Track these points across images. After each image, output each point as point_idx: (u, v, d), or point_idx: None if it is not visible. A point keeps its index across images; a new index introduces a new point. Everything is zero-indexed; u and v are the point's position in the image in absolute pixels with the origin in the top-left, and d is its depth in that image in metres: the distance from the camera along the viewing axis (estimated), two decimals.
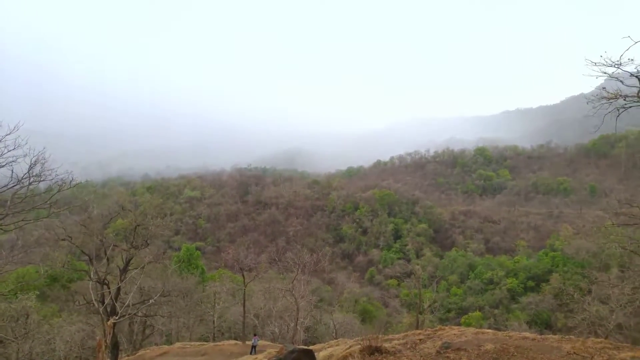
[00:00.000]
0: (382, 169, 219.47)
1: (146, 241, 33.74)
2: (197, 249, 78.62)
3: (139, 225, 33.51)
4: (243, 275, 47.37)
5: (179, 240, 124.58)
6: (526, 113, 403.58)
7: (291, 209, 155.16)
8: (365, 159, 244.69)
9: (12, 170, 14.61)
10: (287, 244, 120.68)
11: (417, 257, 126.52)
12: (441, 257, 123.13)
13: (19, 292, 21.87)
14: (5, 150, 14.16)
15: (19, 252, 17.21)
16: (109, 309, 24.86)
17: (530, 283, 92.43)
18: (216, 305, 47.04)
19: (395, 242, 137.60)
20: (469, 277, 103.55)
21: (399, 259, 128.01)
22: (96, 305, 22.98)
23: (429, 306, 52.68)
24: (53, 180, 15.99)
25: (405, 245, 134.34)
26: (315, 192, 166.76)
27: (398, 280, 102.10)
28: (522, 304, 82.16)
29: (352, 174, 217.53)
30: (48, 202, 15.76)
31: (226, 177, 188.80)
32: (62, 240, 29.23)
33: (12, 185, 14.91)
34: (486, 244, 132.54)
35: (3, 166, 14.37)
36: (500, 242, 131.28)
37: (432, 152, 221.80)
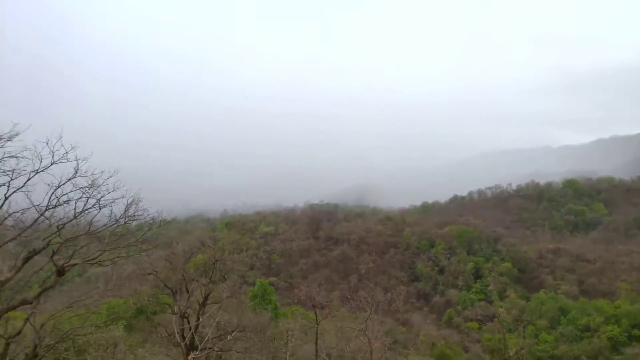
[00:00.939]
0: (459, 204, 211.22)
1: (224, 276, 34.95)
2: (271, 284, 79.70)
3: (217, 261, 34.86)
4: (315, 313, 47.03)
5: (254, 275, 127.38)
6: (624, 141, 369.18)
7: (363, 245, 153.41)
8: (440, 194, 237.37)
9: (112, 211, 16.13)
10: (359, 282, 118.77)
11: (501, 298, 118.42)
12: (527, 300, 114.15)
13: (109, 323, 23.48)
14: (106, 192, 15.73)
15: (112, 285, 18.63)
16: (188, 343, 25.79)
17: (636, 332, 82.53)
18: (288, 342, 46.89)
19: (475, 282, 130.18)
20: (561, 322, 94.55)
21: (479, 300, 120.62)
22: (178, 338, 23.96)
23: (515, 353, 48.63)
24: (145, 219, 17.34)
25: (487, 285, 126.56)
26: (388, 228, 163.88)
27: (479, 324, 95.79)
28: (627, 355, 73.31)
29: (427, 210, 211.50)
30: (140, 240, 17.06)
31: (299, 213, 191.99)
32: (149, 274, 31.03)
33: (110, 224, 16.38)
34: (580, 285, 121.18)
35: (104, 207, 15.90)
36: (596, 283, 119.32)
37: (514, 186, 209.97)
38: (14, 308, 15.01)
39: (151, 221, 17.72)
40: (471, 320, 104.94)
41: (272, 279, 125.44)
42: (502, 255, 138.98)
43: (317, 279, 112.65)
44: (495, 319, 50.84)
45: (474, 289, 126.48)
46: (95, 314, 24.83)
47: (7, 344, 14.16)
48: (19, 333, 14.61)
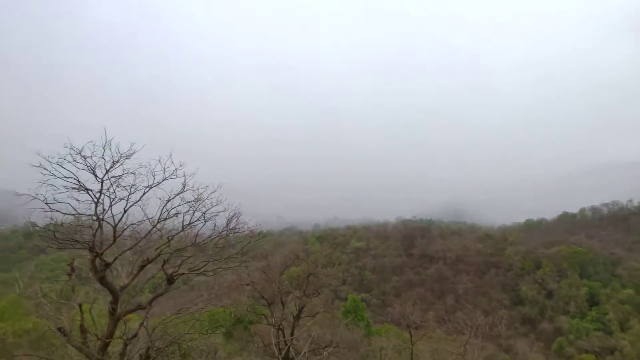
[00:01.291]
0: (570, 222, 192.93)
1: (317, 290, 35.28)
2: (363, 300, 79.01)
3: (311, 274, 35.33)
4: (410, 333, 45.50)
5: (346, 290, 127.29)
6: None
7: (460, 264, 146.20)
8: (547, 210, 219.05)
9: (215, 224, 17.18)
10: (456, 303, 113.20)
11: (622, 329, 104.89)
12: None
13: (210, 330, 24.86)
14: (210, 206, 16.82)
15: (215, 295, 19.68)
16: (283, 355, 26.30)
17: None
18: None
19: (590, 310, 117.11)
20: None
21: (596, 330, 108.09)
22: (274, 350, 24.56)
23: None
24: (244, 232, 18.20)
25: (605, 314, 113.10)
26: (487, 246, 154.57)
27: (596, 356, 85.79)
28: None
29: (532, 227, 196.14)
30: (240, 252, 17.93)
31: (390, 229, 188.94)
32: (247, 285, 32.30)
33: (214, 236, 17.44)
34: None
35: (209, 220, 17.02)
36: None
37: (636, 202, 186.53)
38: (131, 312, 16.53)
39: (250, 234, 18.54)
40: (587, 352, 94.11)
41: (364, 295, 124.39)
42: (623, 280, 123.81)
43: (410, 298, 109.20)
44: (617, 352, 45.03)
45: (589, 317, 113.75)
46: (197, 321, 26.39)
47: (125, 345, 15.56)
48: (135, 335, 15.97)
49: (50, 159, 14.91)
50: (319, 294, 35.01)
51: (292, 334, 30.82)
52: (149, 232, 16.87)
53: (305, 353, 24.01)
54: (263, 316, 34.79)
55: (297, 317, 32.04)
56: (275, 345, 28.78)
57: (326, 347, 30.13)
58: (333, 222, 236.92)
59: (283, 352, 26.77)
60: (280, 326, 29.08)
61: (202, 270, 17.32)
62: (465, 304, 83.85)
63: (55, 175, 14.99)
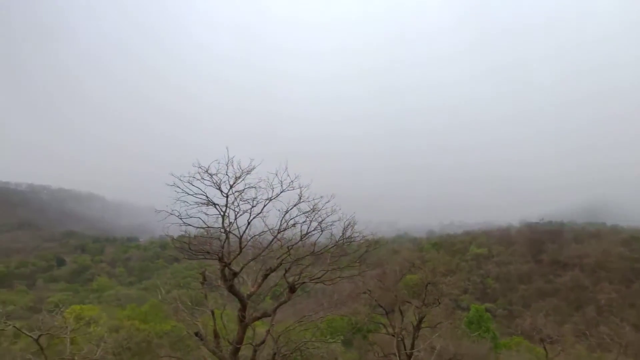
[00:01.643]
0: None
1: (437, 299, 33.95)
2: (487, 310, 74.14)
3: (429, 283, 34.13)
4: (545, 348, 41.63)
5: (467, 300, 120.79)
6: None
7: (601, 271, 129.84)
8: None
9: (331, 233, 17.48)
10: (598, 315, 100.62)
11: None
12: None
13: (330, 338, 25.23)
14: (326, 216, 17.16)
15: (334, 303, 19.93)
16: None
17: None
18: None
19: None
20: None
21: None
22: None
23: None
24: (360, 240, 18.22)
25: None
26: (635, 251, 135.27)
27: None
28: None
29: None
30: (358, 261, 17.97)
31: (514, 233, 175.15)
32: (363, 293, 32.23)
33: (331, 245, 17.74)
34: None
35: (325, 229, 17.36)
36: None
37: None
38: (257, 319, 17.48)
39: (366, 242, 18.50)
40: None
41: (488, 305, 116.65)
42: None
43: (542, 308, 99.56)
44: None
45: None
46: (318, 329, 27.01)
47: (255, 351, 16.47)
48: (263, 342, 16.82)
49: (182, 178, 16.41)
50: (439, 303, 33.65)
51: (412, 345, 30.01)
52: (271, 242, 17.70)
53: None
54: (381, 325, 34.42)
55: (418, 328, 31.12)
56: (395, 355, 28.25)
57: (450, 359, 28.78)
58: (449, 228, 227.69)
59: None
60: (400, 336, 28.44)
61: (321, 279, 17.67)
62: (611, 317, 74.08)
63: (187, 193, 16.46)
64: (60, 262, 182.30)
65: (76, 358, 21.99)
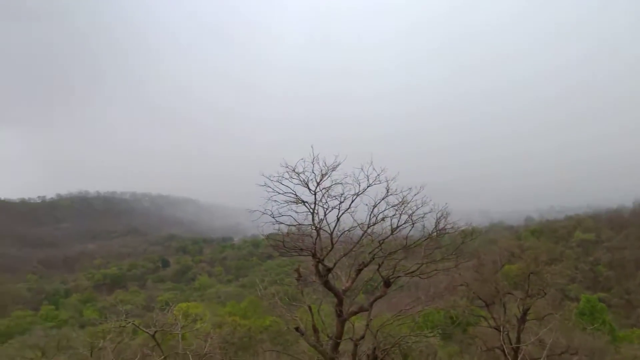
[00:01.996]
0: None
1: (542, 290, 31.75)
2: (600, 300, 67.85)
3: (532, 273, 32.00)
4: None
5: (576, 290, 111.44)
6: None
7: None
8: None
9: (423, 225, 16.94)
10: None
11: None
12: None
13: (428, 332, 24.56)
14: (416, 208, 16.65)
15: (431, 296, 19.35)
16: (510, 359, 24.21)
17: None
18: None
19: None
20: None
21: None
22: (507, 357, 22.83)
23: None
24: (455, 232, 17.45)
25: None
26: None
27: None
28: None
29: None
30: (454, 253, 17.25)
31: (628, 216, 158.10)
32: (460, 285, 31.01)
33: (424, 238, 17.20)
34: None
35: (416, 222, 16.87)
36: None
37: None
38: (355, 314, 17.49)
39: (462, 233, 17.70)
40: None
41: (601, 294, 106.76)
42: None
43: None
44: None
45: None
46: (413, 322, 26.48)
47: (355, 345, 16.50)
48: (363, 337, 16.81)
49: (271, 178, 16.85)
50: (544, 294, 31.32)
51: (518, 338, 28.24)
52: (361, 237, 17.59)
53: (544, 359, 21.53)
54: (482, 318, 32.86)
55: (522, 320, 29.24)
56: (500, 349, 26.76)
57: (562, 353, 26.65)
58: (548, 214, 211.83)
59: (511, 357, 24.63)
60: (504, 329, 26.87)
61: (416, 273, 17.21)
62: None
63: (277, 192, 16.87)
64: (165, 264, 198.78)
65: (188, 352, 23.62)
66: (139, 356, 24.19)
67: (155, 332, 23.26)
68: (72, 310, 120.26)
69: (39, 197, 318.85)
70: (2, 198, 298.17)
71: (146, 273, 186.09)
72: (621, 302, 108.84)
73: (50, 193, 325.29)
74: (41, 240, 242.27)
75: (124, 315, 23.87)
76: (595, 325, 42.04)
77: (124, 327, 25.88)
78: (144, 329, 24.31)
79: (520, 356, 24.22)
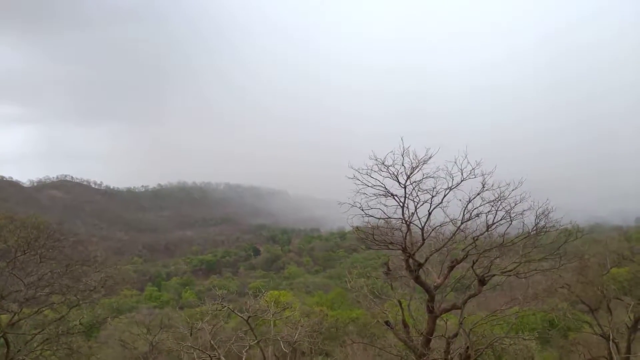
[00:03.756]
0: None
1: None
2: None
3: None
4: None
5: None
6: None
7: None
8: None
9: (523, 222, 16.02)
10: None
11: None
12: None
13: (525, 334, 23.23)
14: (514, 204, 15.77)
15: (530, 297, 18.30)
16: None
17: None
18: None
19: None
20: None
21: None
22: None
23: None
24: (557, 230, 16.31)
25: None
26: None
27: None
28: None
29: None
30: (556, 252, 16.13)
31: None
32: (561, 287, 28.96)
33: (523, 236, 16.28)
34: None
35: (514, 219, 15.99)
36: None
37: None
38: (447, 311, 17.10)
39: (565, 232, 16.46)
40: None
41: None
42: None
43: None
44: None
45: None
46: (507, 323, 25.23)
47: (448, 343, 16.13)
48: (456, 335, 16.40)
49: (360, 171, 16.92)
50: None
51: (628, 349, 25.74)
52: (454, 233, 17.08)
53: None
54: (586, 323, 30.36)
55: (634, 329, 26.55)
56: (608, 358, 24.60)
57: None
58: None
59: None
60: (612, 337, 24.63)
61: (513, 271, 16.37)
62: None
63: (366, 185, 16.91)
64: (256, 252, 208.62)
65: (279, 338, 24.69)
66: (234, 339, 25.63)
67: (249, 317, 24.53)
68: (173, 292, 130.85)
69: (142, 186, 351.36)
70: (112, 187, 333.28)
71: (238, 260, 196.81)
72: None
73: (152, 183, 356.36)
74: (145, 226, 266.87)
75: (220, 299, 25.37)
76: None
77: (220, 310, 27.49)
78: (239, 314, 25.71)
79: None
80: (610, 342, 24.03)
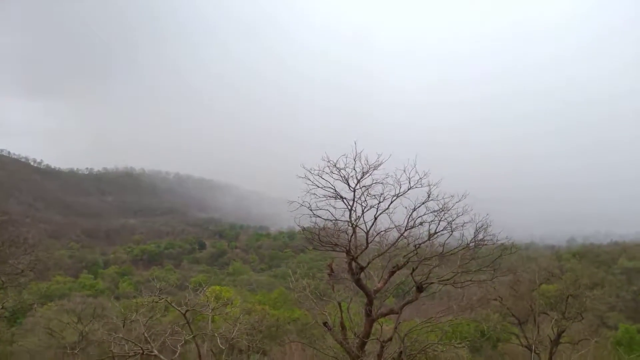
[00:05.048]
0: None
1: (580, 314, 30.62)
2: None
3: (571, 295, 30.93)
4: None
5: (615, 318, 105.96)
6: None
7: None
8: None
9: (462, 234, 16.64)
10: None
11: None
12: None
13: (457, 343, 24.11)
14: (456, 216, 16.37)
15: (463, 307, 19.00)
16: None
17: None
18: None
19: None
20: None
21: None
22: None
23: None
24: (494, 244, 17.04)
25: None
26: None
27: None
28: None
29: None
30: (491, 265, 16.85)
31: None
32: (494, 300, 30.30)
33: (461, 248, 16.92)
34: None
35: (455, 230, 16.59)
36: None
37: None
38: (384, 315, 17.43)
39: (501, 247, 17.25)
40: None
41: None
42: None
43: None
44: None
45: None
46: (441, 331, 26.15)
47: (382, 347, 16.45)
48: (390, 339, 16.75)
49: (312, 171, 16.96)
50: (582, 318, 30.16)
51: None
52: (397, 239, 17.48)
53: None
54: (514, 335, 32.00)
55: (556, 342, 28.29)
56: None
57: None
58: (594, 238, 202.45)
59: None
60: (536, 349, 26.09)
61: (450, 281, 16.95)
62: None
63: (316, 185, 16.98)
64: (202, 246, 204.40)
65: (216, 334, 24.23)
66: (168, 332, 24.92)
67: (187, 311, 23.90)
68: (109, 281, 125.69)
69: (86, 168, 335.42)
70: (53, 166, 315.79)
71: (182, 253, 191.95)
72: None
73: (97, 166, 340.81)
74: (86, 210, 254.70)
75: (158, 291, 24.60)
76: (632, 357, 40.05)
77: (156, 302, 26.66)
78: (176, 307, 25.04)
79: None
80: (532, 354, 25.40)
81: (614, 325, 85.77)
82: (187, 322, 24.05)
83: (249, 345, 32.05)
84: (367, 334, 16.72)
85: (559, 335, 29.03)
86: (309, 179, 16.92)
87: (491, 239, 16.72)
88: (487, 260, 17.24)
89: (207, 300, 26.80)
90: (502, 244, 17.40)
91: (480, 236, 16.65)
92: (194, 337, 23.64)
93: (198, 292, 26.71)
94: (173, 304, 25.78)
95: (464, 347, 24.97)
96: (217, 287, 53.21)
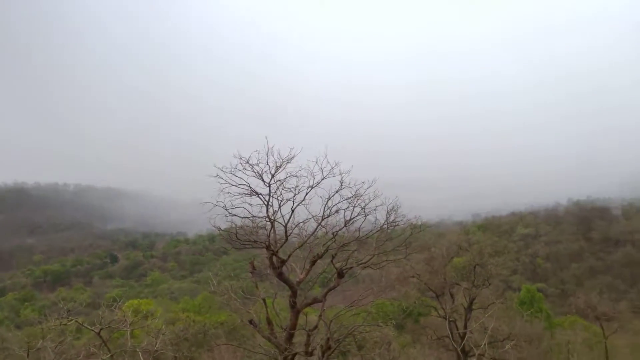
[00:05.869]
0: None
1: (487, 280, 33.31)
2: (539, 290, 72.19)
3: (477, 265, 33.49)
4: (601, 326, 40.16)
5: (517, 280, 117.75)
6: None
7: None
8: None
9: (375, 217, 17.33)
10: None
11: None
12: None
13: (382, 323, 25.20)
14: (368, 201, 17.02)
15: (383, 287, 19.83)
16: (460, 347, 25.29)
17: None
18: (570, 357, 41.27)
19: None
20: None
21: None
22: (450, 343, 23.79)
23: None
24: (405, 224, 17.95)
25: None
26: None
27: None
28: None
29: None
30: (404, 245, 17.75)
31: (562, 212, 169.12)
32: (411, 277, 31.96)
33: (375, 231, 17.61)
34: None
35: (368, 214, 17.25)
36: None
37: None
38: (309, 305, 17.64)
39: (411, 226, 18.23)
40: None
41: (539, 284, 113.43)
42: None
43: (595, 286, 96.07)
44: None
45: None
46: (366, 313, 27.15)
47: (308, 336, 16.66)
48: (316, 327, 16.99)
49: (224, 170, 16.55)
50: (489, 284, 33.00)
51: (465, 326, 29.57)
52: (315, 229, 17.74)
53: (485, 345, 22.66)
54: (432, 308, 34.11)
55: (469, 309, 30.66)
56: (448, 337, 27.90)
57: (504, 340, 28.13)
58: (495, 211, 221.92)
59: (460, 345, 25.75)
60: (452, 318, 28.05)
61: (368, 263, 17.59)
62: None
63: (230, 184, 16.62)
64: (114, 259, 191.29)
65: (137, 350, 22.94)
66: (82, 354, 23.14)
67: (101, 329, 22.41)
68: (8, 310, 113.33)
69: None
70: None
71: (92, 269, 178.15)
72: (557, 292, 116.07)
73: None
74: None
75: (66, 313, 22.69)
76: (531, 311, 44.69)
77: (65, 325, 24.57)
78: (89, 327, 23.32)
79: (463, 342, 25.33)
80: (447, 322, 27.30)
81: (517, 287, 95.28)
82: (103, 341, 22.52)
83: (175, 356, 30.80)
84: (294, 326, 16.82)
85: (471, 303, 31.48)
86: (221, 178, 16.53)
87: (402, 220, 17.60)
88: (400, 240, 18.17)
89: (124, 316, 25.27)
90: (413, 224, 18.42)
91: (392, 218, 17.47)
92: (111, 356, 22.20)
93: (113, 308, 25.11)
94: (85, 324, 23.99)
95: (388, 325, 26.11)
96: (135, 301, 50.38)
